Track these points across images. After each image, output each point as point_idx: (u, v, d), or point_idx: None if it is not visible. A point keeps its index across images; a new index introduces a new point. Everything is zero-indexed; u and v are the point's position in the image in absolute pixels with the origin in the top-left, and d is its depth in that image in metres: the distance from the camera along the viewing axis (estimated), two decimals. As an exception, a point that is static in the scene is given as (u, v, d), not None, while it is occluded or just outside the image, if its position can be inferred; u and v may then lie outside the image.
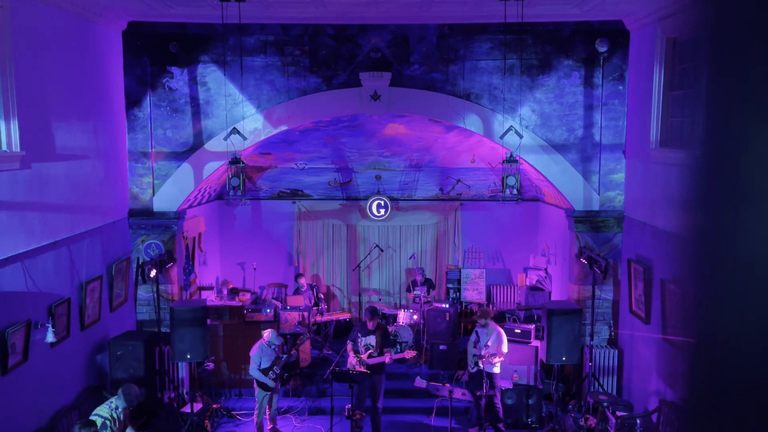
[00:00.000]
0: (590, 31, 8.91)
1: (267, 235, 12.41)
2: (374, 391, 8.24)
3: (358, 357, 8.12)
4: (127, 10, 8.41)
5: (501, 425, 8.35)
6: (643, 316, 8.14)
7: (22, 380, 6.45)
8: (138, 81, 9.09)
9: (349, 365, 8.11)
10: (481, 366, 8.01)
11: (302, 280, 11.34)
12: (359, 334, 8.27)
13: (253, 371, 8.14)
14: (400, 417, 8.90)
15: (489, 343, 8.14)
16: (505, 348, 8.21)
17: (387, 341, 8.30)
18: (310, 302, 11.17)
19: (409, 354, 8.23)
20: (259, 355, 8.13)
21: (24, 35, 6.54)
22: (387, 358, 8.08)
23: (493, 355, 8.08)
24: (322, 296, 11.57)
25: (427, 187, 12.11)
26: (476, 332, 8.35)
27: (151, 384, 8.37)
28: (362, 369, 8.01)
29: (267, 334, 8.29)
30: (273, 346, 8.28)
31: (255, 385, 8.25)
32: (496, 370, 8.22)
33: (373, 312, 8.31)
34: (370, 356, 8.11)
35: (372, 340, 8.20)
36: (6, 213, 6.18)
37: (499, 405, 8.34)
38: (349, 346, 8.33)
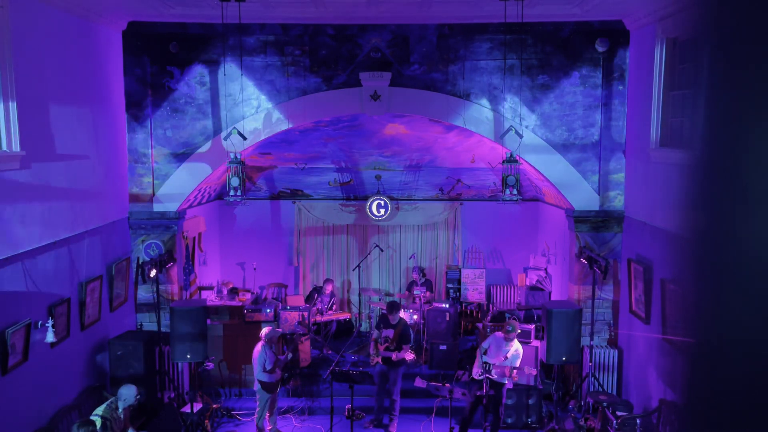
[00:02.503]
0: (590, 31, 8.90)
1: (267, 235, 12.40)
2: (392, 384, 8.60)
3: (376, 348, 8.59)
4: (127, 10, 8.41)
5: None
6: (643, 316, 8.14)
7: (22, 380, 6.45)
8: (138, 81, 9.09)
9: (371, 353, 8.74)
10: (493, 375, 7.91)
11: (329, 286, 11.34)
12: (382, 325, 8.71)
13: (259, 374, 8.12)
14: (400, 417, 8.89)
15: (508, 356, 8.05)
16: (518, 363, 8.09)
17: (404, 338, 8.58)
18: (323, 307, 11.15)
19: (409, 356, 8.34)
20: (263, 357, 8.12)
21: (24, 35, 6.54)
22: (393, 356, 8.39)
23: (513, 368, 7.98)
24: (335, 307, 11.56)
25: (427, 187, 12.11)
26: (490, 341, 8.23)
27: (151, 384, 8.37)
28: (379, 360, 8.53)
29: (265, 331, 8.31)
30: (273, 347, 8.29)
31: (257, 387, 8.23)
32: (506, 380, 8.16)
33: (391, 306, 8.74)
34: (386, 349, 8.49)
35: (390, 333, 8.57)
36: (6, 213, 6.18)
37: (502, 414, 8.32)
38: (374, 334, 8.78)
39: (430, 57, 9.05)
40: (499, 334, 8.22)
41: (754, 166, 0.71)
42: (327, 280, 11.51)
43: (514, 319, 8.78)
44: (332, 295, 11.45)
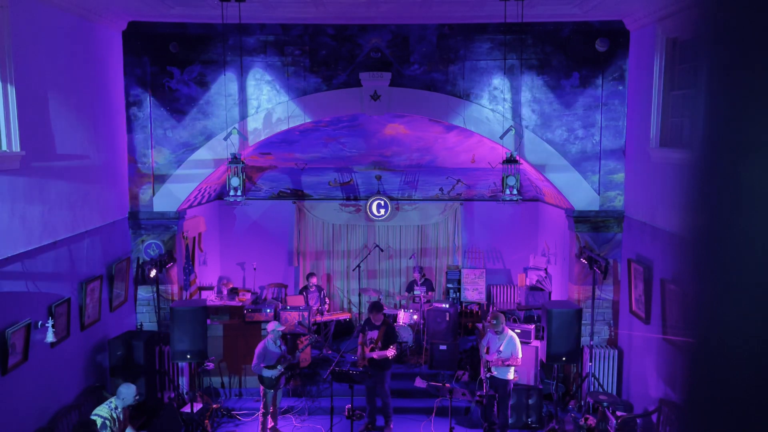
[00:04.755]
0: (590, 31, 8.90)
1: (267, 235, 12.41)
2: (379, 385, 8.46)
3: (362, 351, 8.46)
4: (127, 10, 8.41)
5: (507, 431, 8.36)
6: (643, 316, 8.14)
7: (22, 380, 6.45)
8: (138, 81, 9.09)
9: (357, 357, 8.58)
10: (495, 372, 7.95)
11: (313, 280, 11.35)
12: (366, 328, 8.58)
13: (255, 367, 8.18)
14: (400, 417, 8.89)
15: (501, 348, 8.09)
16: (519, 353, 8.12)
17: (389, 339, 8.45)
18: (316, 303, 11.16)
19: (389, 352, 8.32)
20: (263, 353, 8.16)
21: (24, 35, 6.54)
22: (375, 355, 8.34)
23: (507, 359, 8.04)
24: (327, 300, 11.56)
25: (427, 187, 12.11)
26: (487, 337, 8.29)
27: (151, 384, 8.37)
28: (365, 363, 8.35)
29: (270, 326, 8.34)
30: (278, 343, 8.31)
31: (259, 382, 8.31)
32: (510, 376, 8.18)
33: (374, 307, 8.60)
34: (371, 350, 8.39)
35: (374, 335, 8.45)
36: (6, 213, 6.18)
37: (509, 410, 8.31)
38: (360, 338, 8.64)
39: (430, 57, 9.05)
40: (490, 330, 8.32)
41: (753, 166, 0.71)
42: (309, 275, 11.50)
43: (500, 312, 8.81)
44: (319, 288, 11.43)
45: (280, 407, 8.71)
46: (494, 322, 8.19)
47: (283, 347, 8.42)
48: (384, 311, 8.79)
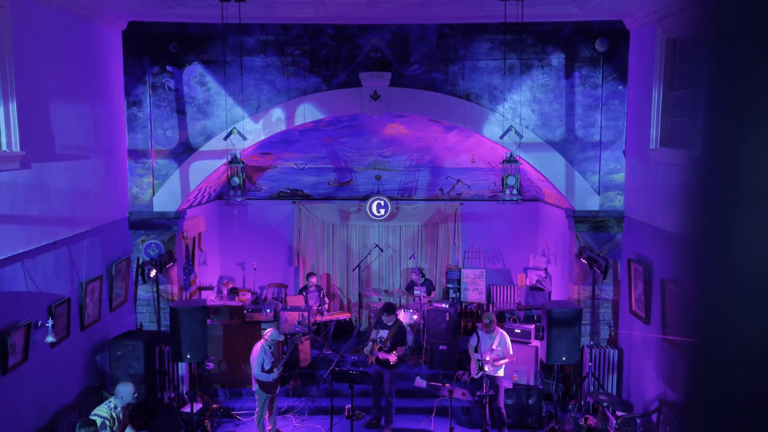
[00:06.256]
0: (590, 31, 8.90)
1: (267, 236, 12.40)
2: (386, 384, 8.55)
3: (371, 348, 8.57)
4: (127, 10, 8.41)
5: (506, 429, 8.36)
6: (643, 316, 8.14)
7: (22, 380, 6.45)
8: (138, 81, 9.09)
9: (366, 351, 8.74)
10: (487, 370, 7.99)
11: (313, 279, 11.35)
12: (378, 326, 8.66)
13: (257, 374, 8.12)
14: (401, 417, 8.90)
15: (494, 347, 8.14)
16: (510, 350, 8.28)
17: (398, 339, 8.53)
18: (316, 303, 11.15)
19: (392, 357, 8.40)
20: (261, 357, 8.12)
21: (24, 35, 6.54)
22: (380, 356, 8.41)
23: (500, 358, 8.13)
24: (327, 299, 11.56)
25: (427, 187, 12.11)
26: (477, 335, 8.33)
27: (151, 384, 8.37)
28: (373, 360, 8.48)
29: (268, 332, 8.31)
30: (273, 348, 8.29)
31: (255, 387, 8.23)
32: (500, 373, 8.24)
33: (386, 308, 8.67)
34: (379, 350, 8.47)
35: (385, 334, 8.51)
36: (6, 213, 6.18)
37: (503, 409, 8.35)
38: (372, 335, 8.74)
39: (430, 57, 9.05)
40: (481, 329, 8.38)
41: (753, 166, 0.71)
42: (309, 275, 11.50)
43: (493, 312, 8.88)
44: (319, 288, 11.43)
45: (279, 407, 8.69)
46: (486, 321, 8.34)
47: (275, 350, 8.40)
48: (396, 313, 8.84)
